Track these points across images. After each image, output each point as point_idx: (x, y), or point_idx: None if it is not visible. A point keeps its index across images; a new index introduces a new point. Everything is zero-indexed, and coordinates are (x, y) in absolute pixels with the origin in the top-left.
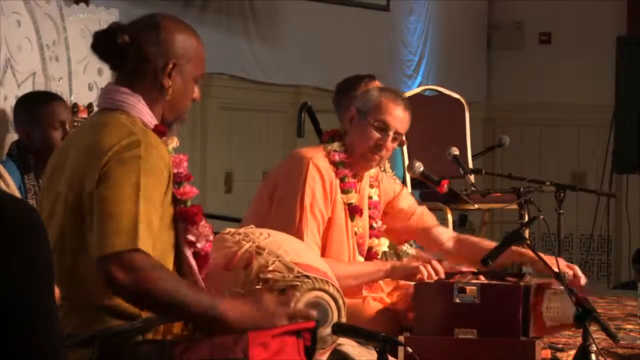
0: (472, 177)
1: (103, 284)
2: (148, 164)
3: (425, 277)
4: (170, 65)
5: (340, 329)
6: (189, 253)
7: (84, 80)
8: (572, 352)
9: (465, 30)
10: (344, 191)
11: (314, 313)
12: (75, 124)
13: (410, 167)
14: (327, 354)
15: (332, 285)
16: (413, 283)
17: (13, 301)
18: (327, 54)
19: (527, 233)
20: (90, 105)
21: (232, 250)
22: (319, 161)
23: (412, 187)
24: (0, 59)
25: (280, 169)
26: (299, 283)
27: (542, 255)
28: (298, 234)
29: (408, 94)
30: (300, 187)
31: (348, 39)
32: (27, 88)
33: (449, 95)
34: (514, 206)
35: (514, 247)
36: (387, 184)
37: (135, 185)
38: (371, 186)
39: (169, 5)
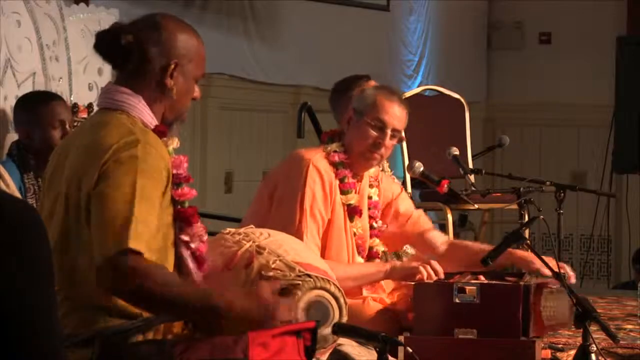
0: (472, 177)
1: (104, 284)
2: (146, 164)
3: (425, 278)
4: (173, 66)
5: (340, 329)
6: (187, 253)
7: (84, 80)
8: (572, 352)
9: (465, 30)
10: (343, 192)
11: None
12: (75, 124)
13: (410, 167)
14: (328, 353)
15: (333, 284)
16: (413, 283)
17: (13, 301)
18: (327, 54)
19: (527, 233)
20: (90, 105)
21: (233, 250)
22: (319, 162)
23: (412, 187)
24: (0, 59)
25: (280, 169)
26: (300, 282)
27: (526, 253)
28: (298, 235)
29: (408, 94)
30: (301, 188)
31: (348, 39)
32: (27, 88)
33: (449, 95)
34: (514, 206)
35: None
36: (386, 185)
37: (132, 186)
38: (371, 186)
39: (169, 5)
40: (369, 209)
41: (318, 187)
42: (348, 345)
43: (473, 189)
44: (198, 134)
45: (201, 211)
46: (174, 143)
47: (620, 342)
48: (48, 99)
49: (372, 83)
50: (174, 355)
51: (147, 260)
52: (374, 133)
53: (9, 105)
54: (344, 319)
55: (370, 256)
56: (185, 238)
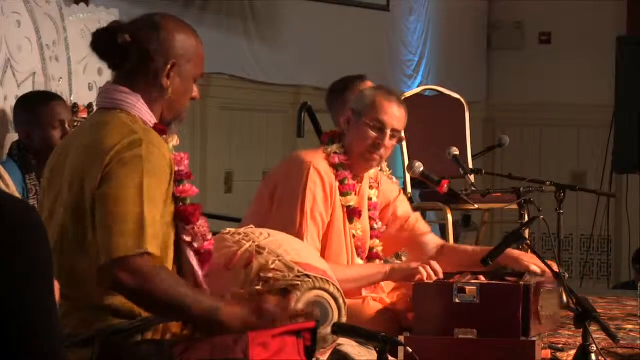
0: (472, 177)
1: (107, 285)
2: (151, 164)
3: (425, 278)
4: (170, 65)
5: (340, 329)
6: (189, 252)
7: (84, 80)
8: (572, 352)
9: (465, 30)
10: (343, 194)
11: (317, 311)
12: (75, 124)
13: (410, 167)
14: (328, 353)
15: (333, 284)
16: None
17: (13, 301)
18: (327, 54)
19: (527, 233)
20: (90, 105)
21: (232, 250)
22: (319, 165)
23: (412, 187)
24: (0, 59)
25: (281, 170)
26: (299, 282)
27: (513, 251)
28: (298, 238)
29: (408, 94)
30: (302, 191)
31: (348, 39)
32: (27, 88)
33: (449, 95)
34: (514, 206)
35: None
36: (386, 186)
37: (139, 186)
38: (371, 187)
39: (169, 5)
40: (369, 210)
41: (319, 190)
42: (348, 345)
43: (473, 189)
44: (198, 134)
45: None
46: (174, 140)
47: (620, 342)
48: (48, 99)
49: (369, 83)
50: (173, 355)
51: (159, 263)
52: (373, 134)
53: (9, 105)
54: (343, 320)
55: (371, 257)
56: (187, 238)
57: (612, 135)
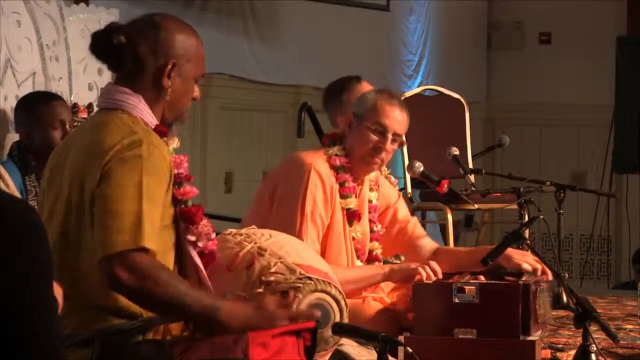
0: (472, 177)
1: (105, 283)
2: (150, 164)
3: (424, 278)
4: (170, 66)
5: (340, 329)
6: (193, 252)
7: (84, 80)
8: (572, 352)
9: (465, 30)
10: (343, 196)
11: (317, 313)
12: (75, 124)
13: (410, 167)
14: (328, 355)
15: (334, 286)
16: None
17: (13, 301)
18: (327, 54)
19: (527, 233)
20: (90, 105)
21: (234, 251)
22: (320, 167)
23: (412, 187)
24: (0, 59)
25: (281, 170)
26: (301, 285)
27: (510, 250)
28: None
29: (408, 94)
30: (302, 193)
31: (348, 39)
32: (27, 88)
33: (449, 95)
34: (514, 206)
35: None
36: (386, 189)
37: (138, 185)
38: (371, 189)
39: (169, 5)
40: (369, 212)
41: (319, 192)
42: (348, 345)
43: (473, 189)
44: (198, 134)
45: None
46: (174, 143)
47: (620, 342)
48: (48, 99)
49: (365, 83)
50: (174, 355)
51: (157, 260)
52: (374, 137)
53: (9, 106)
54: (345, 322)
55: (370, 259)
56: (192, 238)
57: (612, 135)
